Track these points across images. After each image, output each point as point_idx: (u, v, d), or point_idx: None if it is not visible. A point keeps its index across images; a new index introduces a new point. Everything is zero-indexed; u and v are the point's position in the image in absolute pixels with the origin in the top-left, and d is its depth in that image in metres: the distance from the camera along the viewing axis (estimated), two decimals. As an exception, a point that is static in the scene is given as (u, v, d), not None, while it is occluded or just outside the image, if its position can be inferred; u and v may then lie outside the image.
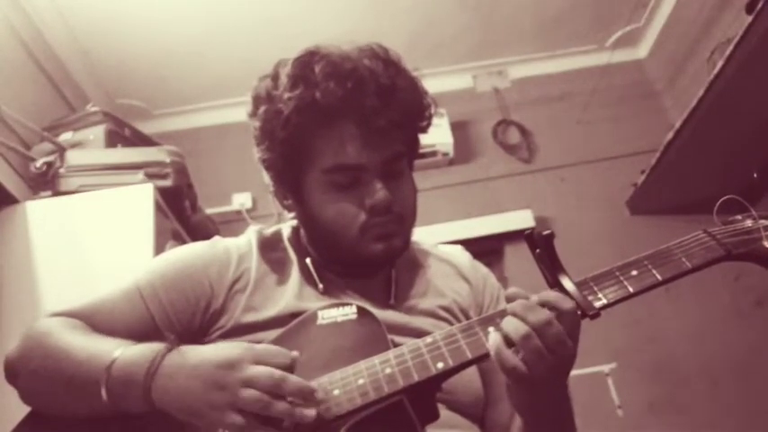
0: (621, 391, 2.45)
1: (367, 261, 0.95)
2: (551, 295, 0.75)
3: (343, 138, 0.91)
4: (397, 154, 0.96)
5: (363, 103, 0.90)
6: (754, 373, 2.49)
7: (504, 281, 2.66)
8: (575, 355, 0.75)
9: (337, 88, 0.89)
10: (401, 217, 0.96)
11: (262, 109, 0.95)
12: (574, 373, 0.78)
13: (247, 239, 1.03)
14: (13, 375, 0.87)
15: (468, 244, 2.69)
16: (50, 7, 2.44)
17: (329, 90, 0.89)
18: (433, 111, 1.02)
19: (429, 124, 1.02)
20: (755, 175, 1.04)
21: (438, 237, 2.28)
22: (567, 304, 0.74)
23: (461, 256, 1.14)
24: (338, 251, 0.97)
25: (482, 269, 1.12)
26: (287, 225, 1.09)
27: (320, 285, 0.97)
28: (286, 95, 0.91)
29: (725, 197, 0.84)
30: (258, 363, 0.73)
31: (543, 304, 0.74)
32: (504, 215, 2.81)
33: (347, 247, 0.94)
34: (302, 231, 1.06)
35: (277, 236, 1.06)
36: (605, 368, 2.47)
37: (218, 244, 1.01)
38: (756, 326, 2.59)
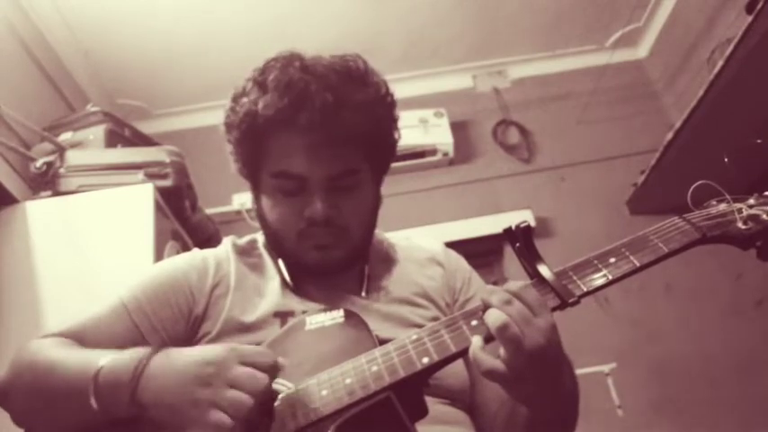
0: (621, 391, 2.46)
1: (305, 267, 1.00)
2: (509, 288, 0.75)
3: (290, 147, 0.95)
4: (348, 170, 0.97)
5: (298, 117, 0.92)
6: (754, 373, 2.49)
7: (504, 281, 2.66)
8: (550, 334, 0.71)
9: (278, 100, 0.93)
10: (344, 229, 0.98)
11: (228, 105, 1.01)
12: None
13: (224, 248, 1.07)
14: (3, 398, 0.88)
15: (468, 244, 2.71)
16: (50, 7, 2.45)
17: (269, 101, 0.93)
18: (397, 127, 1.04)
19: (393, 140, 1.05)
20: (726, 159, 1.05)
21: (438, 237, 2.27)
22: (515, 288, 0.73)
23: (433, 244, 1.18)
24: (282, 251, 1.02)
25: (454, 254, 1.16)
26: (261, 233, 1.12)
27: (290, 283, 1.00)
28: (243, 99, 0.97)
29: (697, 183, 0.85)
30: (244, 363, 0.73)
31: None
32: (504, 215, 2.81)
33: (288, 249, 1.00)
34: None
35: (252, 243, 1.10)
36: (605, 368, 2.47)
37: (196, 254, 1.06)
38: (756, 326, 2.59)
